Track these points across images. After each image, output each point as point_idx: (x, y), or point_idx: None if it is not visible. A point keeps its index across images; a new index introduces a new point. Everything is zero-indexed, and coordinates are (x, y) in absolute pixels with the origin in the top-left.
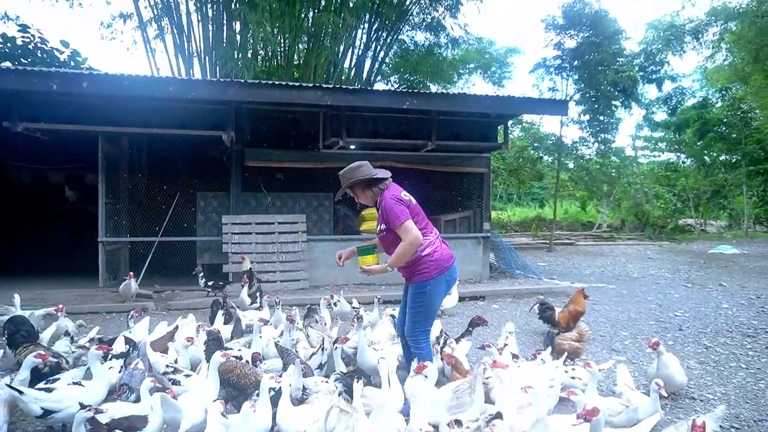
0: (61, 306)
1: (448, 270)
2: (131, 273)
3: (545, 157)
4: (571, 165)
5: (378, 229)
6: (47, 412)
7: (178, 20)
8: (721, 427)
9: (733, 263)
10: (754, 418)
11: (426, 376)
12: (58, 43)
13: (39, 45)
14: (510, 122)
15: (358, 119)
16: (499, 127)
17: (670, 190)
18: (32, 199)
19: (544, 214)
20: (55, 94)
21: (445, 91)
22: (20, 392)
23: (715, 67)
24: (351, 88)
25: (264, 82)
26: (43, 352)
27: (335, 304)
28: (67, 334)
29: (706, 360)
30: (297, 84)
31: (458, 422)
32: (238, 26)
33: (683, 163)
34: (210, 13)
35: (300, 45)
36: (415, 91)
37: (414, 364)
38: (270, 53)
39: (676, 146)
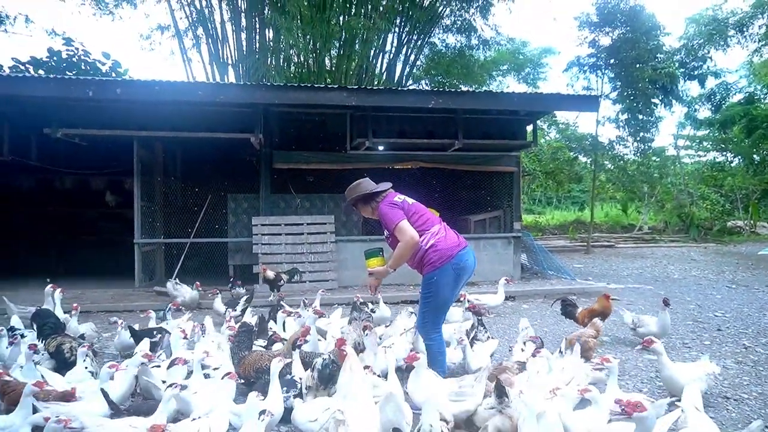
0: (75, 305)
1: (454, 258)
2: (198, 283)
3: (582, 158)
4: (609, 165)
5: (385, 235)
6: None
7: (213, 30)
8: None
9: None
10: None
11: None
12: (100, 55)
13: (82, 57)
14: (539, 120)
15: (384, 120)
16: (528, 127)
17: (717, 191)
18: (74, 203)
19: (584, 217)
20: (92, 101)
21: (471, 89)
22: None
23: (762, 62)
24: (376, 88)
25: (290, 84)
26: (150, 353)
27: (373, 311)
28: (82, 337)
29: (744, 360)
30: (322, 86)
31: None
32: (270, 34)
33: (730, 162)
34: (243, 22)
35: (332, 51)
36: (441, 89)
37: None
38: (302, 59)
39: (722, 145)
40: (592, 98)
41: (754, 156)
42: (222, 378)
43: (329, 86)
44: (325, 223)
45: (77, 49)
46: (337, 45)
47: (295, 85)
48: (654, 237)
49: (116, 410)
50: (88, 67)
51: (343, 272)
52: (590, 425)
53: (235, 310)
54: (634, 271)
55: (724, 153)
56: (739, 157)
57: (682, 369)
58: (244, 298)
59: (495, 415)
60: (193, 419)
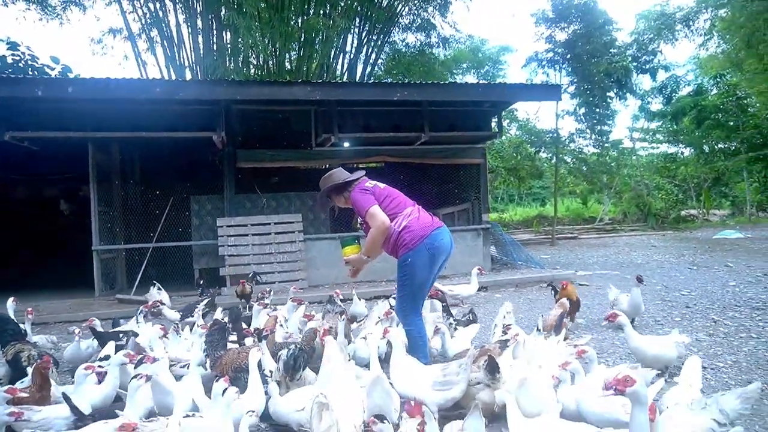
0: (30, 309)
1: (427, 238)
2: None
3: (542, 153)
4: (568, 160)
5: (359, 222)
6: None
7: (168, 32)
8: None
9: (738, 246)
10: None
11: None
12: (48, 59)
13: (29, 62)
14: (504, 111)
15: (349, 115)
16: (493, 119)
17: (671, 181)
18: (27, 212)
19: (545, 212)
20: (42, 101)
21: (436, 81)
22: None
23: (708, 56)
24: (340, 82)
25: (252, 80)
26: (131, 353)
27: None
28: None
29: (715, 332)
30: (285, 80)
31: (380, 417)
32: (228, 36)
33: (681, 153)
34: (199, 24)
35: (291, 52)
36: (406, 81)
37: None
38: (261, 61)
39: (673, 137)
40: (554, 87)
41: (705, 146)
42: (216, 380)
43: (292, 81)
44: (293, 222)
45: (23, 53)
46: (297, 46)
47: (258, 80)
48: (615, 227)
49: (80, 416)
50: (36, 73)
51: (312, 271)
52: (579, 396)
53: (193, 316)
54: (600, 259)
55: (677, 144)
56: (690, 147)
57: (649, 340)
58: (204, 302)
59: (483, 390)
60: (186, 415)
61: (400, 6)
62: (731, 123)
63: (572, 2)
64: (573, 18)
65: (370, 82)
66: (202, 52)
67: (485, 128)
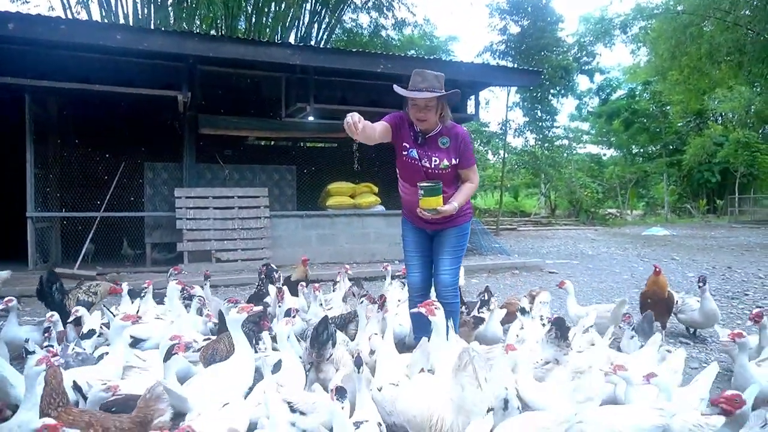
0: None
1: None
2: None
3: (481, 147)
4: (503, 153)
5: (443, 164)
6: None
7: None
8: None
9: (670, 242)
10: None
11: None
12: None
13: None
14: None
15: (326, 85)
16: (468, 100)
17: (594, 180)
18: None
19: (476, 204)
20: None
21: (420, 56)
22: None
23: (633, 65)
24: (322, 47)
25: (227, 36)
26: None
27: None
28: None
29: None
30: (264, 40)
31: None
32: None
33: (604, 155)
34: None
35: (241, 24)
36: (390, 53)
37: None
38: (207, 26)
39: (604, 138)
40: (534, 72)
41: (634, 147)
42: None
43: (271, 42)
44: (258, 197)
45: None
46: (246, 14)
47: (234, 37)
48: (550, 220)
49: None
50: None
51: (278, 250)
52: None
53: None
54: (551, 249)
55: (606, 145)
56: (618, 148)
57: None
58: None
59: None
60: None
61: None
62: (652, 128)
63: None
64: (526, 12)
65: (353, 50)
66: (145, 8)
67: (461, 110)
